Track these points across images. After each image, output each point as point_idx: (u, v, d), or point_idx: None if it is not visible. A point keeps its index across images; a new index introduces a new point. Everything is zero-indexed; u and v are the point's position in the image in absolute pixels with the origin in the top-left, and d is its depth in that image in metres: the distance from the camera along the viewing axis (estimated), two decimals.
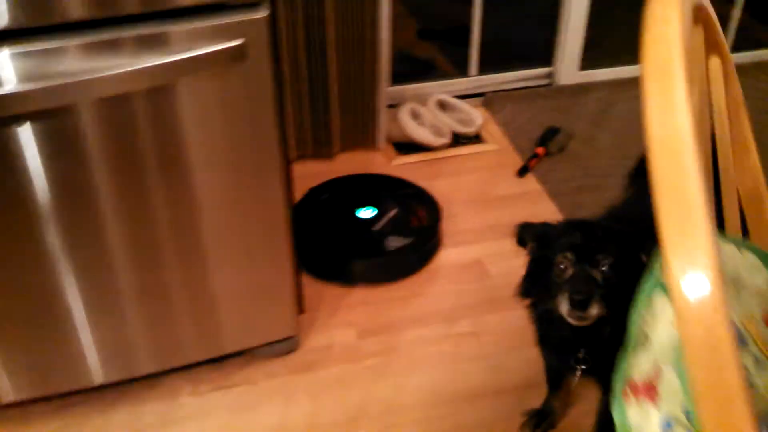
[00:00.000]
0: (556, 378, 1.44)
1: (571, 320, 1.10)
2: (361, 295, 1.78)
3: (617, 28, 2.67)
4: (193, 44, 1.17)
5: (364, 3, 2.04)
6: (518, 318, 1.42)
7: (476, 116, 2.38)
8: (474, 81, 2.54)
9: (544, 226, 1.21)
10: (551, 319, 1.17)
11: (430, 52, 2.52)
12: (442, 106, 2.43)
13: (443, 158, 2.26)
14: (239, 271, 1.42)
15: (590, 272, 1.09)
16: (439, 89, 2.51)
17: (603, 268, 1.09)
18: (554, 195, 2.09)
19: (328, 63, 2.08)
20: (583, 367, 1.20)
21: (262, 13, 1.20)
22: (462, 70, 2.56)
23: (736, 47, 2.73)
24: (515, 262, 1.93)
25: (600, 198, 2.06)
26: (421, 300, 1.77)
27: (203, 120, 1.24)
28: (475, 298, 1.77)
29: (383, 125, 2.29)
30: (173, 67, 1.16)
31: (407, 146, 2.29)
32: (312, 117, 2.19)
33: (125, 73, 1.12)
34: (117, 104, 1.16)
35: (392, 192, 2.01)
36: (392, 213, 1.93)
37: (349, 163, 2.22)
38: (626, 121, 2.42)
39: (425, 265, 1.86)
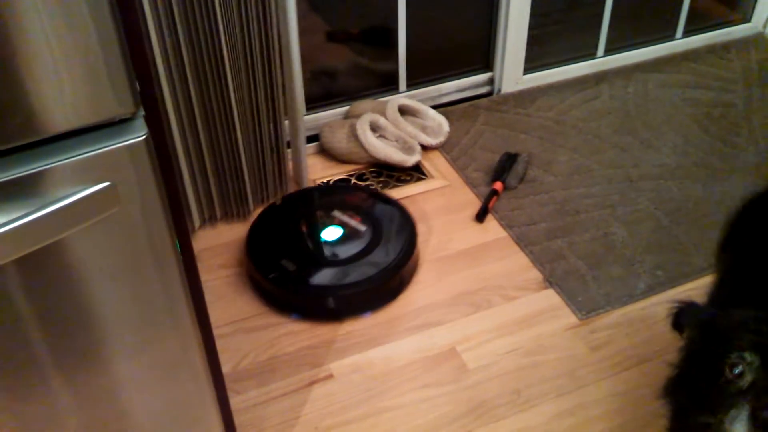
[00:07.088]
0: None
1: None
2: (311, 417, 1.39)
3: (559, 21, 2.31)
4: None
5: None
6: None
7: (443, 122, 2.06)
8: (405, 97, 2.13)
9: (713, 312, 0.97)
10: None
11: (345, 60, 2.11)
12: (401, 112, 2.06)
13: None
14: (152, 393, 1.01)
15: None
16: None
17: None
18: (524, 243, 1.74)
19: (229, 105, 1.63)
20: None
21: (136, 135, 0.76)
22: (386, 83, 2.15)
23: (688, 30, 2.44)
24: (497, 347, 1.56)
25: (577, 244, 1.73)
26: (381, 421, 1.39)
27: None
28: (454, 410, 1.41)
29: (304, 166, 1.88)
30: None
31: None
32: (217, 174, 1.74)
33: None
34: None
35: None
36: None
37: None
38: (583, 133, 2.09)
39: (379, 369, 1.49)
